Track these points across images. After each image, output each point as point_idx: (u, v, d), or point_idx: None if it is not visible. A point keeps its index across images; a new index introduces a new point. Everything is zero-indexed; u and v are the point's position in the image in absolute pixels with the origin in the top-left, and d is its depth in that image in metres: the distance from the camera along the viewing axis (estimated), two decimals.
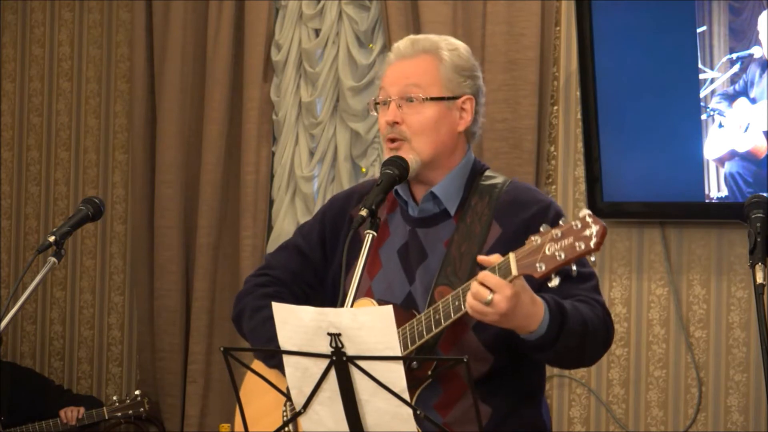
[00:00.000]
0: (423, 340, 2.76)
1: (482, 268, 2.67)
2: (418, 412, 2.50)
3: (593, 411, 4.94)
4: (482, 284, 2.61)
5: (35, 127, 6.04)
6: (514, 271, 2.57)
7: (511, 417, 2.91)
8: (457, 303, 2.69)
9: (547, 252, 2.52)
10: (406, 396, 2.49)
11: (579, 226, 2.49)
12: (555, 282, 2.54)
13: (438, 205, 2.98)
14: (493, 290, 2.59)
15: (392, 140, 2.95)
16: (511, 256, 2.58)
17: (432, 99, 2.94)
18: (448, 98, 2.95)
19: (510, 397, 2.91)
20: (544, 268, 2.53)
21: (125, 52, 5.83)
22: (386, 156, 2.96)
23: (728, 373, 4.75)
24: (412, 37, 3.03)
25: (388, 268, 2.98)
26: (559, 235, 2.51)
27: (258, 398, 2.98)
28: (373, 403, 2.52)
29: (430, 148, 2.94)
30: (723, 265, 4.76)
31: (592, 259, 2.51)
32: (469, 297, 2.63)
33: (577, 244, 2.49)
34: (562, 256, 2.50)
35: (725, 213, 4.63)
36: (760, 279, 2.58)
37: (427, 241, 2.96)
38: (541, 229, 2.56)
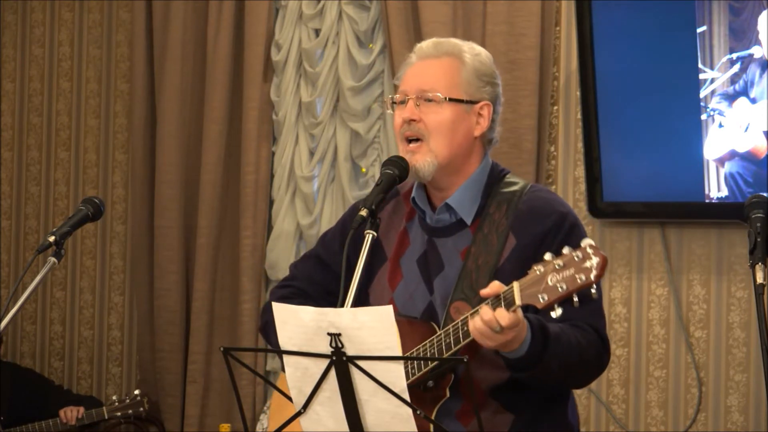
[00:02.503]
0: (435, 363, 2.77)
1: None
2: (418, 412, 2.51)
3: (593, 411, 4.94)
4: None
5: (35, 127, 6.04)
6: (518, 302, 2.58)
7: (535, 423, 2.89)
8: (465, 329, 2.70)
9: (549, 283, 2.54)
10: (406, 396, 2.49)
11: (580, 257, 2.51)
12: (558, 312, 2.55)
13: (454, 215, 2.97)
14: (501, 325, 2.60)
15: (409, 140, 2.94)
16: (516, 285, 2.59)
17: (451, 100, 2.92)
18: (467, 101, 2.94)
19: (533, 403, 2.89)
20: (546, 298, 2.54)
21: (125, 52, 5.83)
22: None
23: (728, 373, 4.74)
24: (435, 39, 3.02)
25: (408, 279, 2.98)
26: (561, 265, 2.53)
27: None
28: (373, 403, 2.52)
29: (446, 150, 2.92)
30: (723, 265, 4.76)
31: (593, 290, 2.52)
32: (476, 332, 2.64)
33: (577, 276, 2.51)
34: (564, 287, 2.52)
35: (725, 213, 4.63)
36: (760, 279, 2.57)
37: (444, 251, 2.95)
38: (546, 257, 2.56)
